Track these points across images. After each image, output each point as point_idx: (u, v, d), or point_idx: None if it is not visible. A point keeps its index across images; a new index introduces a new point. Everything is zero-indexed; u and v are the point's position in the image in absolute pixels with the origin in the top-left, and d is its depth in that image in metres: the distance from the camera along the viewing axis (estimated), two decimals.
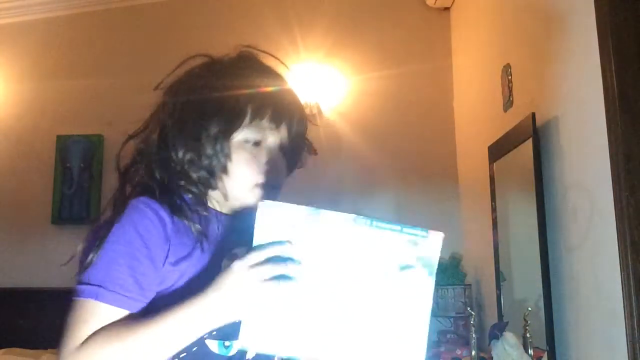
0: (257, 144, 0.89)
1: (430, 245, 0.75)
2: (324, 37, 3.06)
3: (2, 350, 2.61)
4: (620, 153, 1.31)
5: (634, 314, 1.27)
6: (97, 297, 0.77)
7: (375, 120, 3.03)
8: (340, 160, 2.99)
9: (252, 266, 0.74)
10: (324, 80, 3.01)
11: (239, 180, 0.89)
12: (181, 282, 0.82)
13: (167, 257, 0.82)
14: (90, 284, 0.78)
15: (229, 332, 0.79)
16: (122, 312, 0.78)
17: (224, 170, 0.88)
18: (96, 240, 0.81)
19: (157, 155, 0.89)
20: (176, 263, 0.82)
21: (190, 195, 0.88)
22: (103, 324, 0.76)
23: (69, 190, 3.11)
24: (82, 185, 3.11)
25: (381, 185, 3.01)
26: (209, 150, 0.87)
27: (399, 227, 0.75)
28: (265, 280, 0.73)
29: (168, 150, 0.88)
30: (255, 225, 0.74)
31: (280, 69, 0.97)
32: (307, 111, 0.99)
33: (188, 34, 3.10)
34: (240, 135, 0.88)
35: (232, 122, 0.87)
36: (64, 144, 3.15)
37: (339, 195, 2.96)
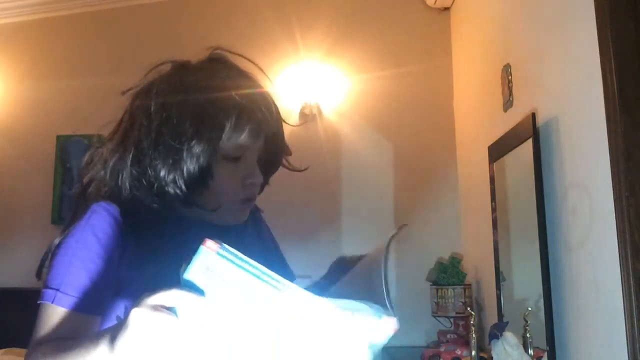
0: (236, 159, 0.89)
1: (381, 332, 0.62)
2: (323, 37, 3.05)
3: (2, 350, 2.61)
4: (620, 153, 1.31)
5: (634, 313, 1.27)
6: (53, 301, 0.79)
7: (375, 120, 3.03)
8: (339, 159, 2.99)
9: (156, 307, 0.63)
10: (323, 79, 3.01)
11: (219, 197, 0.89)
12: (138, 288, 0.74)
13: (123, 259, 0.84)
14: (50, 288, 0.81)
15: None
16: (80, 314, 0.80)
17: (204, 186, 0.87)
18: (59, 244, 0.84)
19: (130, 174, 0.88)
20: (133, 268, 0.83)
21: (158, 206, 0.88)
22: (62, 326, 0.78)
23: (69, 190, 3.11)
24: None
25: (381, 185, 3.01)
26: (188, 169, 0.85)
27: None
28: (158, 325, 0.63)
29: (144, 169, 0.87)
30: (195, 261, 0.62)
31: (253, 70, 0.95)
32: (281, 113, 0.95)
33: (188, 33, 3.09)
34: (219, 152, 0.87)
35: (210, 142, 0.85)
36: (64, 144, 3.15)
37: (338, 196, 2.96)
